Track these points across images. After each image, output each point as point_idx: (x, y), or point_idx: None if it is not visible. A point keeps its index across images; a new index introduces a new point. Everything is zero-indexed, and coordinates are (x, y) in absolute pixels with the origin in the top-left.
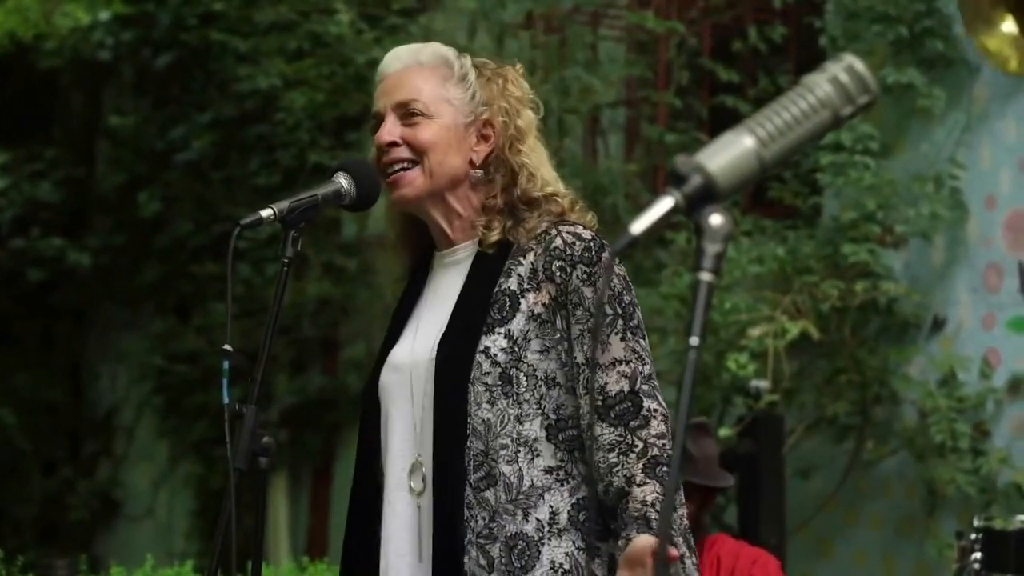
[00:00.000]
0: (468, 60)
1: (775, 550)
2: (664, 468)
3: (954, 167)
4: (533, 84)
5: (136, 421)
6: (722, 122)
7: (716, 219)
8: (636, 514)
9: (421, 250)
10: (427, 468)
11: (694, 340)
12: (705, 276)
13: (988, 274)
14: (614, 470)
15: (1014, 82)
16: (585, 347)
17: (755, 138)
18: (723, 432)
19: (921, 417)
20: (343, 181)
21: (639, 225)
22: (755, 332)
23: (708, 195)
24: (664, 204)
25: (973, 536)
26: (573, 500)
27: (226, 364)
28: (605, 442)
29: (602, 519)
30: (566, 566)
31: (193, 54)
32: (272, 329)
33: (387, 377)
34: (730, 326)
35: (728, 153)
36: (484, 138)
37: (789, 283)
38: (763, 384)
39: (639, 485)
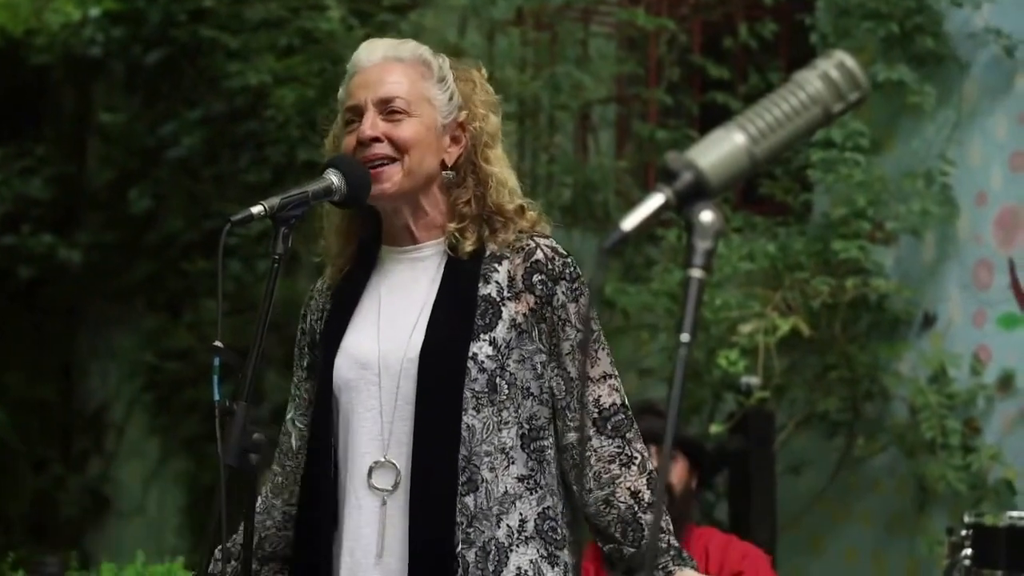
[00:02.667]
0: (446, 61)
1: (766, 546)
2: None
3: (945, 164)
4: (524, 81)
5: (127, 418)
6: (713, 119)
7: (707, 216)
8: (666, 546)
9: (362, 240)
10: (402, 469)
11: (685, 337)
12: (696, 272)
13: (978, 271)
14: (616, 481)
15: (1005, 79)
16: (576, 363)
17: (746, 135)
18: (714, 428)
19: (912, 413)
20: (333, 177)
21: (630, 222)
22: (746, 329)
23: (699, 192)
24: (655, 201)
25: (963, 532)
26: (540, 509)
27: (217, 361)
28: (605, 454)
29: (573, 529)
30: (530, 573)
31: (183, 51)
32: (263, 326)
33: (349, 371)
34: (721, 323)
35: (719, 150)
36: (456, 140)
37: (780, 280)
38: (754, 380)
39: (649, 505)
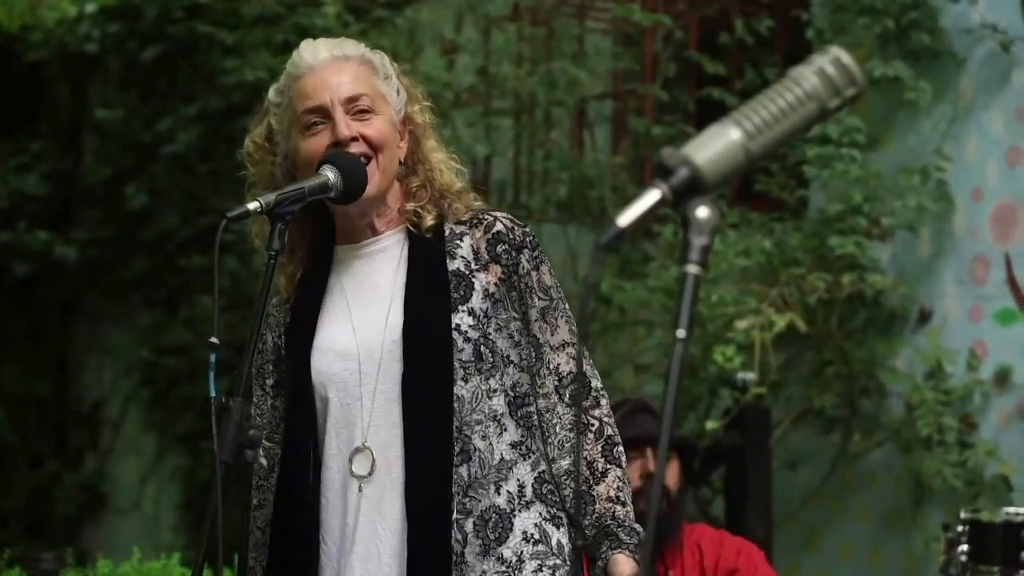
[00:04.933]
0: (385, 57)
1: (762, 542)
2: (617, 448)
3: (940, 159)
4: (520, 76)
5: (123, 414)
6: (709, 115)
7: (703, 212)
8: (606, 526)
9: (313, 241)
10: (377, 454)
11: (681, 333)
12: (692, 269)
13: (975, 266)
14: (575, 449)
15: (1001, 74)
16: (541, 329)
17: (742, 131)
18: (710, 425)
19: (908, 409)
20: (329, 174)
21: (626, 218)
22: (742, 325)
23: (695, 188)
24: (651, 197)
25: (960, 528)
26: (535, 474)
27: (213, 357)
28: (567, 421)
29: (559, 492)
30: (536, 536)
31: (179, 47)
32: (259, 322)
33: (331, 365)
34: (717, 319)
35: (715, 146)
36: (403, 133)
37: (776, 276)
38: (750, 376)
39: (602, 475)
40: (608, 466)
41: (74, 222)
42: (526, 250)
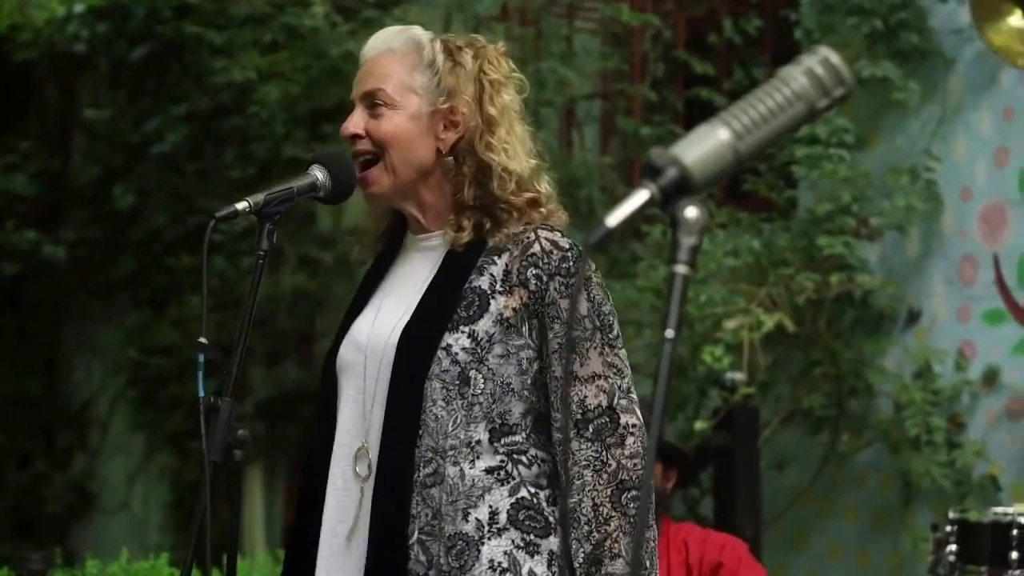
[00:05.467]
0: (438, 44)
1: (750, 542)
2: (630, 494)
3: (929, 159)
4: None
5: (111, 414)
6: (697, 115)
7: (691, 212)
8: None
9: (398, 228)
10: (373, 455)
11: (670, 333)
12: (680, 268)
13: (963, 266)
14: (586, 489)
15: (989, 75)
16: (564, 361)
17: (730, 131)
18: (698, 425)
19: (896, 409)
20: (318, 174)
21: (614, 218)
22: (730, 325)
23: (683, 188)
24: (639, 197)
25: (948, 528)
26: (513, 500)
27: (201, 357)
28: (581, 458)
29: (544, 517)
30: (504, 564)
31: (168, 47)
32: (248, 322)
33: (347, 353)
34: (705, 319)
35: (703, 146)
36: (453, 124)
37: (764, 276)
38: (738, 376)
39: (604, 521)
40: (613, 513)
41: (62, 222)
42: (558, 277)
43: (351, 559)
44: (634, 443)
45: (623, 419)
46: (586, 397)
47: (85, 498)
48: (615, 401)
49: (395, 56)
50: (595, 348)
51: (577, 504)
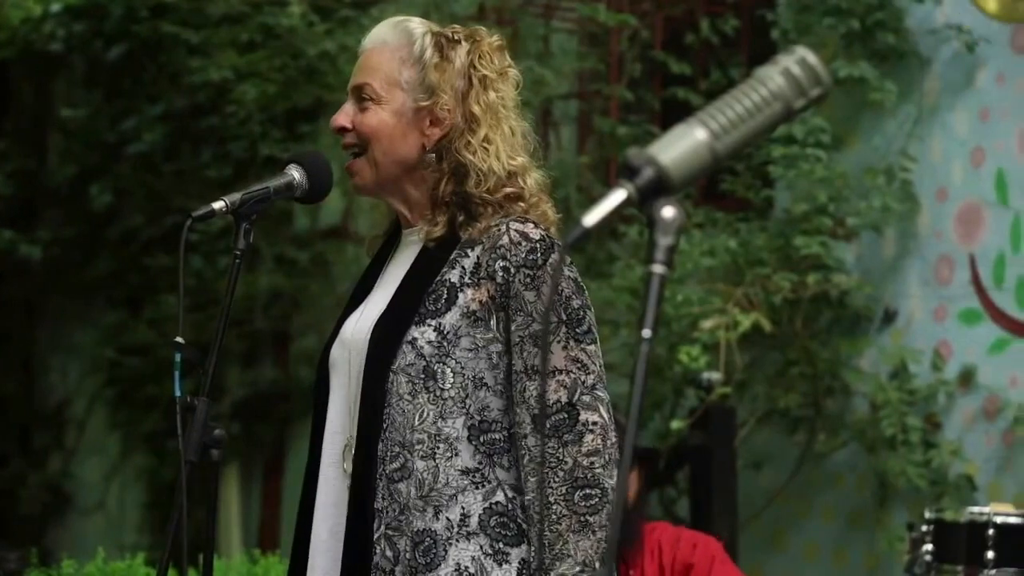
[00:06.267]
0: (429, 38)
1: (727, 542)
2: (583, 492)
3: (905, 160)
4: None
5: (87, 414)
6: (674, 115)
7: (668, 211)
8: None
9: (399, 224)
10: (353, 450)
11: (646, 332)
12: (657, 268)
13: (939, 266)
14: (541, 487)
15: (965, 75)
16: (525, 354)
17: (707, 131)
18: (675, 424)
19: (872, 409)
20: (295, 173)
21: (591, 218)
22: (707, 324)
23: (660, 188)
24: (616, 196)
25: (924, 528)
26: (486, 504)
27: (178, 356)
28: (537, 454)
29: (517, 524)
30: (471, 569)
31: (145, 46)
32: (224, 321)
33: (335, 348)
34: (682, 318)
35: (680, 146)
36: (438, 121)
37: (741, 275)
38: (715, 376)
39: (556, 520)
40: (564, 512)
41: (38, 221)
42: (524, 269)
43: (338, 556)
44: (593, 440)
45: (583, 416)
46: (547, 392)
47: (61, 498)
48: (575, 397)
49: (387, 50)
50: (559, 342)
51: (531, 502)
